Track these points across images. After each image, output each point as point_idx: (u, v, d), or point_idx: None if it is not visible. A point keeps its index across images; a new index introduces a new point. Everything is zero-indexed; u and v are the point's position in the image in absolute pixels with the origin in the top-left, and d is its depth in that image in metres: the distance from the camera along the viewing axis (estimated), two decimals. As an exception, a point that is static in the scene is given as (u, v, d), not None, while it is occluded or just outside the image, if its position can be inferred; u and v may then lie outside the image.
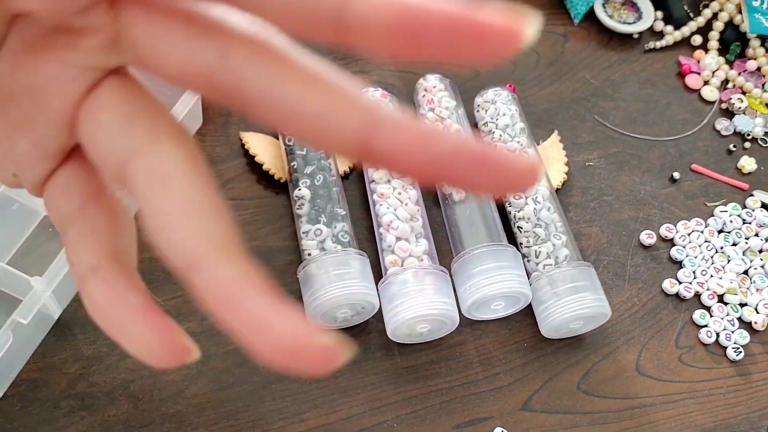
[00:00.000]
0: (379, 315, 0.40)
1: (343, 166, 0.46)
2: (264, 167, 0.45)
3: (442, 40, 0.12)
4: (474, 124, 0.48)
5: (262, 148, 0.46)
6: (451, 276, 0.41)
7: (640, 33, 0.55)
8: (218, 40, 0.14)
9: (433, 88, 0.47)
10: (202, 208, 0.14)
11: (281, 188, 0.45)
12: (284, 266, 0.43)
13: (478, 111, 0.48)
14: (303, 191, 0.42)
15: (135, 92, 0.15)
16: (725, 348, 0.43)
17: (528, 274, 0.42)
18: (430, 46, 0.13)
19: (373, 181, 0.43)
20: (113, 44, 0.15)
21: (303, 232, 0.41)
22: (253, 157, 0.45)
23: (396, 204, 0.42)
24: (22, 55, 0.15)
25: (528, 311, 0.42)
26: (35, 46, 0.15)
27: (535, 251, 0.42)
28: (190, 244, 0.14)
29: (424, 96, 0.48)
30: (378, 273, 0.41)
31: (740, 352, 0.43)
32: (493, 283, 0.40)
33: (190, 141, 0.15)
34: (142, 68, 0.15)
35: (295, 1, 0.13)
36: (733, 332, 0.43)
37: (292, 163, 0.43)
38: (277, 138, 0.46)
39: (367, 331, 0.41)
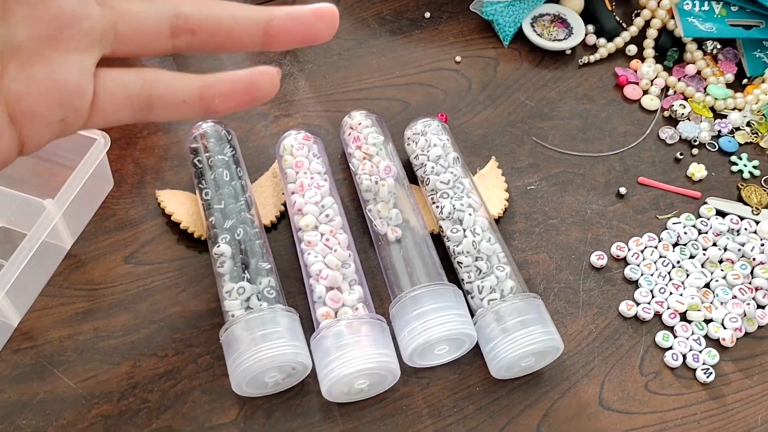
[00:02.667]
0: (315, 374, 0.36)
1: (270, 216, 0.43)
2: (182, 226, 0.42)
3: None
4: (405, 158, 0.46)
5: (179, 205, 0.43)
6: (390, 323, 0.38)
7: (572, 48, 0.53)
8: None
9: (359, 125, 0.45)
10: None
11: (203, 246, 0.42)
12: (210, 330, 0.39)
13: (408, 144, 0.46)
14: (222, 247, 0.39)
15: None
16: (694, 370, 0.40)
17: (472, 312, 0.39)
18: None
19: (300, 228, 0.40)
20: None
21: (225, 292, 0.38)
22: (170, 216, 0.42)
23: (324, 251, 0.39)
24: None
25: (477, 352, 0.38)
26: None
27: (478, 286, 0.39)
28: (251, 15, 0.26)
29: (350, 134, 0.45)
30: (312, 328, 0.38)
31: (710, 373, 0.39)
32: (433, 327, 0.36)
33: None
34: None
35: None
36: (700, 352, 0.40)
37: (210, 219, 0.40)
38: (194, 193, 0.43)
39: (304, 393, 0.38)
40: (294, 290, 0.41)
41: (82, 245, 0.42)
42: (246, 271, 0.38)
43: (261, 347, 0.35)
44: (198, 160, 0.42)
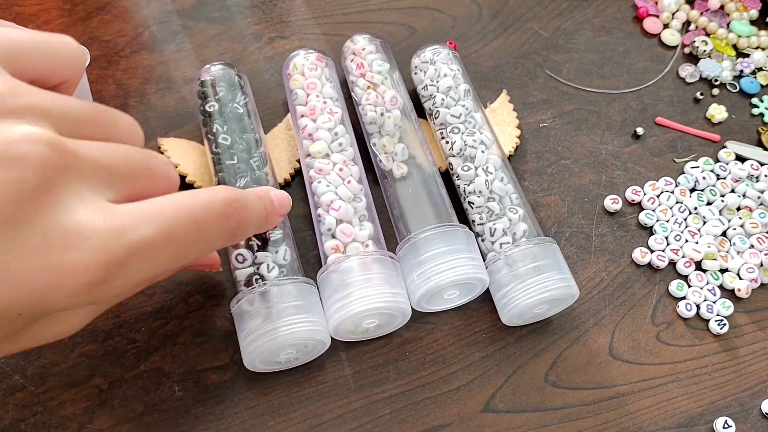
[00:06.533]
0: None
1: (284, 174, 0.40)
2: (188, 180, 0.38)
3: None
4: (412, 89, 0.43)
5: (184, 155, 0.39)
6: (396, 264, 0.36)
7: (590, -25, 0.49)
8: None
9: (362, 50, 0.41)
10: None
11: (193, 178, 0.39)
12: (227, 294, 0.37)
13: (415, 73, 0.42)
14: None
15: None
16: (707, 321, 0.38)
17: (483, 256, 0.37)
18: None
19: (309, 155, 0.37)
20: None
21: (236, 256, 0.34)
22: (175, 167, 0.39)
23: (337, 181, 0.36)
24: None
25: (485, 296, 0.37)
26: None
27: (490, 228, 0.37)
28: None
29: (353, 60, 0.42)
30: (318, 262, 0.35)
31: (724, 324, 0.38)
32: (444, 271, 0.34)
33: None
34: None
35: None
36: (714, 303, 0.39)
37: (219, 175, 0.36)
38: (203, 144, 0.39)
39: (302, 336, 0.36)
40: (300, 227, 0.38)
41: (60, 172, 0.38)
42: (259, 239, 0.35)
43: (274, 325, 0.31)
44: (209, 106, 0.38)
